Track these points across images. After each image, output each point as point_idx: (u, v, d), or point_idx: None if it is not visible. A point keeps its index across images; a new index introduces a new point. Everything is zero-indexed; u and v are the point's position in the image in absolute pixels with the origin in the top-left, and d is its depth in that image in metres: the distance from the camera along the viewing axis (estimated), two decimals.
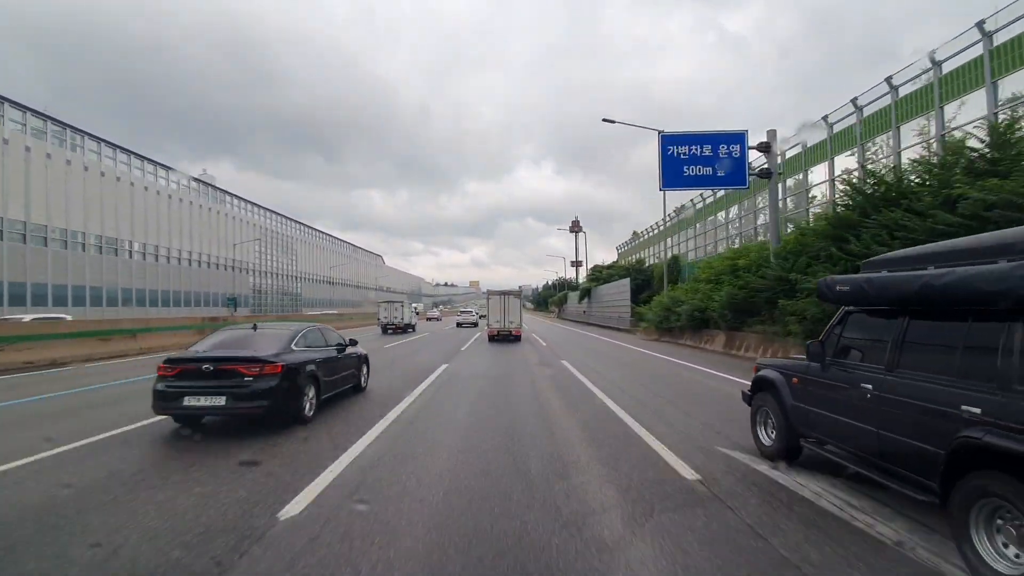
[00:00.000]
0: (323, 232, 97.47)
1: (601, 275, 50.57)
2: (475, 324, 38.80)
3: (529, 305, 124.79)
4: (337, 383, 8.22)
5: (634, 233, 58.53)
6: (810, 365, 4.56)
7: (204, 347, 6.87)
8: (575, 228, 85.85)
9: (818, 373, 4.45)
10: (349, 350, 8.72)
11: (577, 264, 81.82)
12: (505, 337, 21.96)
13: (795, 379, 4.76)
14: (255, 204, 71.23)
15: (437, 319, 64.03)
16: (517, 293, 23.96)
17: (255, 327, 7.51)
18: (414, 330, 33.99)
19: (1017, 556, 2.76)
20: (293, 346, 7.01)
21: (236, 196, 66.83)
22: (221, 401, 6.00)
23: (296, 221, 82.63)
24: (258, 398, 6.04)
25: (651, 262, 46.02)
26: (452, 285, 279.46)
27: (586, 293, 52.24)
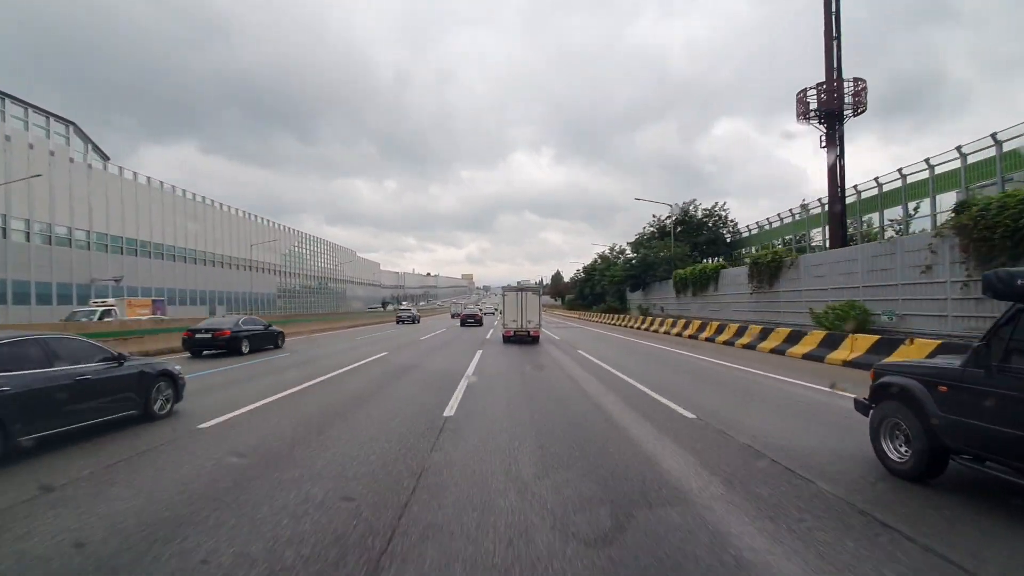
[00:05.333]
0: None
1: None
2: (493, 313, 53.36)
3: (553, 300, 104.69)
4: None
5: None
6: (965, 370, 3.95)
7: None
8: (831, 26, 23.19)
9: (979, 380, 3.84)
10: None
11: (836, 122, 24.03)
12: (522, 338, 19.79)
13: (942, 387, 4.14)
14: None
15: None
16: (535, 290, 21.04)
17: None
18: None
19: None
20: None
21: None
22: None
23: None
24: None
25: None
26: (434, 275, 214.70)
27: None
